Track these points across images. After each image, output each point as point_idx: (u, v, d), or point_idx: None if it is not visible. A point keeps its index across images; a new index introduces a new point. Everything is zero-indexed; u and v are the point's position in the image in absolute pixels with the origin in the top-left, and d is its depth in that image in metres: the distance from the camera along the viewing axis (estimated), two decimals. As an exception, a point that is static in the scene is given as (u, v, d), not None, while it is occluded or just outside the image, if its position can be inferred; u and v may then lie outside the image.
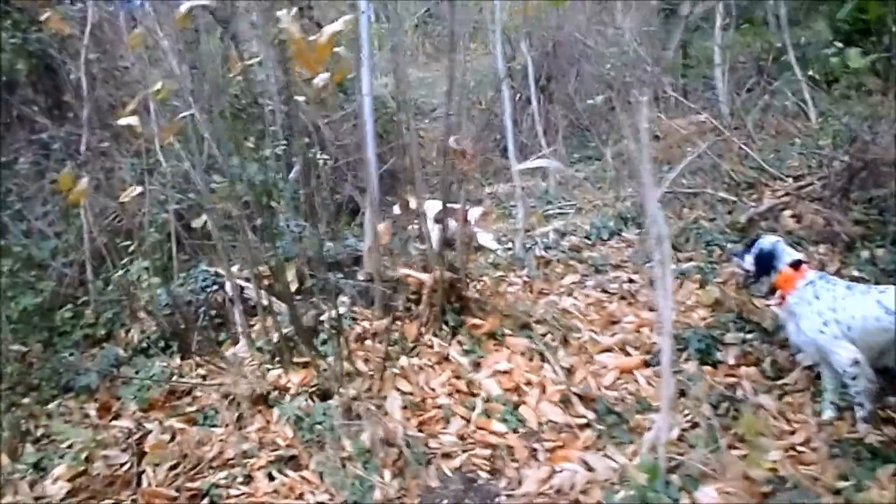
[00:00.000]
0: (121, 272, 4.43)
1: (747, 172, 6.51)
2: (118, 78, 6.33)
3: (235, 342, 4.32)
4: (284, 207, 5.12)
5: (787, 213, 5.50)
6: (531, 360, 3.79)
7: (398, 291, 4.08)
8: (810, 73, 8.29)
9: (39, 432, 3.82)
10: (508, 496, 2.89)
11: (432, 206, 5.63)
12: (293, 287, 4.25)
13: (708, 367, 3.60)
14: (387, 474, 3.05)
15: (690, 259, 5.06)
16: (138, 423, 3.69)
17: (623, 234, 5.85)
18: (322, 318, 3.93)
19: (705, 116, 6.38)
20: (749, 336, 3.81)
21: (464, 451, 3.20)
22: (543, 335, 3.97)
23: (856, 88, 7.44)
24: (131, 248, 4.70)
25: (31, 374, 4.38)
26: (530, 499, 2.84)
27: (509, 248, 5.65)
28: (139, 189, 3.38)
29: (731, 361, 3.64)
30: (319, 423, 3.36)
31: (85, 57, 5.22)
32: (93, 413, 3.96)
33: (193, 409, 3.78)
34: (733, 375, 3.54)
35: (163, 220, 5.07)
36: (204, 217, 4.66)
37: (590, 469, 2.92)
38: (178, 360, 4.33)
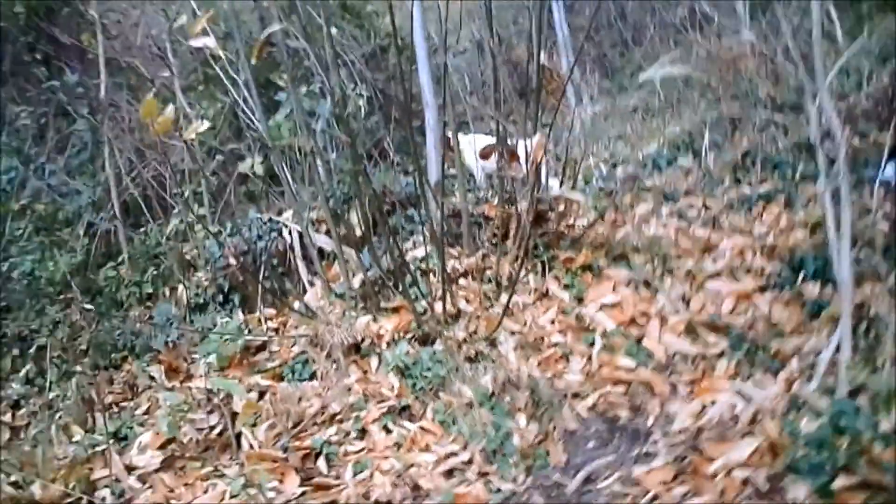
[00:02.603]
0: (171, 223, 4.04)
1: (785, 95, 6.28)
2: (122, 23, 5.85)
3: (304, 292, 3.99)
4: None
5: (847, 131, 5.29)
6: (637, 290, 3.52)
7: (483, 227, 3.77)
8: (834, -10, 8.01)
9: (107, 399, 3.50)
10: (664, 434, 2.65)
11: (476, 141, 5.30)
12: (360, 229, 3.93)
13: (829, 289, 3.36)
14: (521, 419, 2.79)
15: (763, 182, 4.80)
16: (218, 383, 3.37)
17: (679, 161, 5.56)
18: (406, 258, 3.60)
19: (752, 37, 6.07)
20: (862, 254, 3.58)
21: (594, 390, 2.94)
22: (643, 265, 3.70)
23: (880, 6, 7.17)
24: (174, 198, 4.33)
25: (78, 339, 4.03)
26: (689, 435, 2.60)
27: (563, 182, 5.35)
28: (206, 124, 2.97)
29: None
30: (428, 370, 3.08)
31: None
32: (159, 376, 3.64)
33: (275, 363, 3.48)
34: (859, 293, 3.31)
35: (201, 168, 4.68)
36: (250, 161, 4.29)
37: (746, 399, 2.69)
38: (241, 315, 4.00)
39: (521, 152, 5.32)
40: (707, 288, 3.51)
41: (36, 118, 5.33)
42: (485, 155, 5.73)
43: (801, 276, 3.44)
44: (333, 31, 5.36)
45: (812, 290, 3.33)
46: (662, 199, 4.86)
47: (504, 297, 3.42)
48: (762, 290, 3.44)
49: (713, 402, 2.73)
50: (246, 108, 3.96)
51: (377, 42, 6.12)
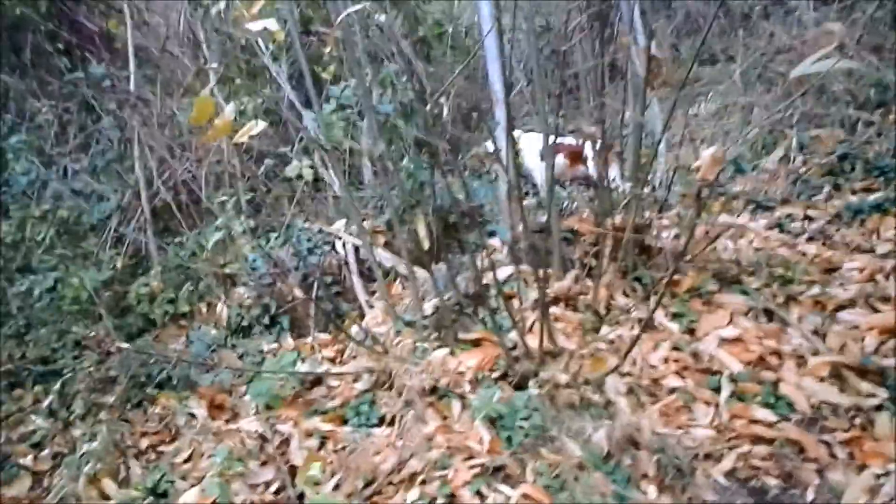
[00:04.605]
0: (214, 236, 3.56)
1: (864, 92, 5.72)
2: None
3: (361, 316, 3.50)
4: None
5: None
6: (758, 321, 3.01)
7: (573, 245, 3.27)
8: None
9: (143, 444, 3.03)
10: (836, 515, 2.14)
11: (534, 141, 4.81)
12: (428, 243, 3.45)
13: None
14: (649, 488, 2.29)
15: (868, 190, 4.26)
16: (271, 426, 2.90)
17: (763, 164, 5.02)
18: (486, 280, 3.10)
19: (839, 27, 5.49)
20: None
21: (730, 449, 2.44)
22: (760, 290, 3.18)
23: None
24: (211, 204, 3.86)
25: (105, 363, 3.56)
26: (870, 518, 2.09)
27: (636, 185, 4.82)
28: (261, 125, 2.48)
29: None
30: (524, 420, 2.58)
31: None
32: (200, 413, 3.17)
33: (335, 403, 2.99)
34: None
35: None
36: (298, 164, 3.81)
37: (934, 471, 2.18)
38: (290, 340, 3.53)
39: (588, 151, 4.85)
40: (841, 319, 2.99)
41: (58, 114, 4.87)
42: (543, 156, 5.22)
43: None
44: (382, 18, 4.89)
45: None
46: (753, 208, 4.34)
47: (605, 330, 2.92)
48: (910, 322, 2.91)
49: (886, 473, 2.22)
50: (296, 105, 3.50)
51: (425, 31, 5.61)
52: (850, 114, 5.39)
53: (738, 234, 3.91)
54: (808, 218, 4.10)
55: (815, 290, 3.16)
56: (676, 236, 3.70)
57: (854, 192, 4.27)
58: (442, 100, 4.05)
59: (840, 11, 7.29)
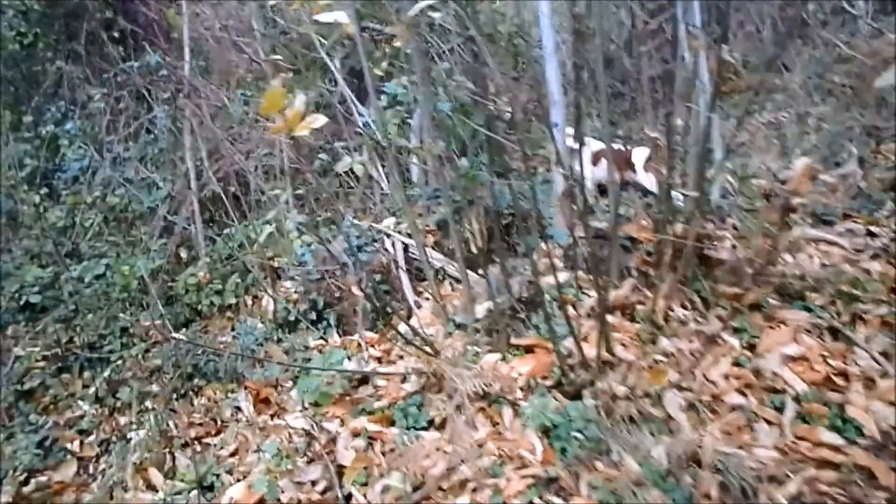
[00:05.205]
0: (265, 230, 3.54)
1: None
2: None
3: (409, 315, 3.46)
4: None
5: None
6: (823, 339, 2.90)
7: (630, 252, 3.19)
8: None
9: (190, 434, 3.02)
10: (910, 548, 2.04)
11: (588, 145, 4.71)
12: (478, 244, 3.39)
13: None
14: (713, 509, 2.21)
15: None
16: (318, 424, 2.86)
17: (822, 176, 4.87)
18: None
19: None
20: None
21: (795, 472, 2.34)
22: (823, 306, 3.07)
23: None
24: (262, 197, 3.85)
25: (153, 354, 3.57)
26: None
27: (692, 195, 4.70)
28: (322, 119, 2.44)
29: None
30: (580, 431, 2.51)
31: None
32: (247, 408, 3.15)
33: (382, 403, 2.95)
34: None
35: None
36: (349, 160, 3.77)
37: None
38: (336, 337, 3.50)
39: (636, 159, 4.77)
40: (910, 341, 2.87)
41: (111, 102, 4.91)
42: (596, 160, 5.14)
43: None
44: (437, 15, 4.83)
45: None
46: (812, 222, 4.20)
47: (664, 342, 2.83)
48: None
49: (965, 507, 2.11)
50: (348, 100, 3.47)
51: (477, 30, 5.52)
52: (913, 127, 5.21)
53: (797, 247, 3.80)
54: (870, 234, 3.96)
55: (883, 309, 3.03)
56: (733, 247, 3.60)
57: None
58: (505, 99, 3.97)
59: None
